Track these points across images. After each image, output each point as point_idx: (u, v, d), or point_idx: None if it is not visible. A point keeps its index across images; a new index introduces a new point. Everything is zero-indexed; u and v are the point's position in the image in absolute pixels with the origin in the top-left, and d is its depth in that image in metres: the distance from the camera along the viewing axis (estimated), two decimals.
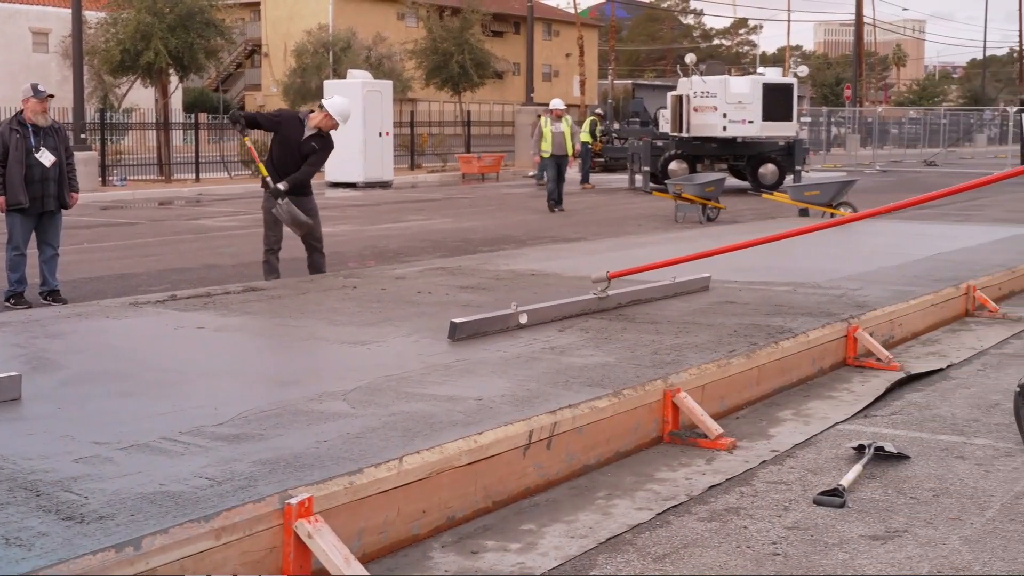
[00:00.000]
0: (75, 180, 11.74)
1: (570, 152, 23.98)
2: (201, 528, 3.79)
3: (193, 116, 38.28)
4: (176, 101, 41.65)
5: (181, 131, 38.56)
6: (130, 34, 32.47)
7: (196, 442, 4.83)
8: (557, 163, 23.68)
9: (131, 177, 32.58)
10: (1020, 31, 75.15)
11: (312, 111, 11.31)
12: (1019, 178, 26.94)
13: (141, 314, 8.41)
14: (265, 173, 10.94)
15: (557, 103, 24.82)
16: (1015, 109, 47.35)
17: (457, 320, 7.37)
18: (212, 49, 35.09)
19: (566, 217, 22.03)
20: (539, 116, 24.22)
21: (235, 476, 4.34)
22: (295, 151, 10.95)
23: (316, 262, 11.29)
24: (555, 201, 23.40)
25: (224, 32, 35.19)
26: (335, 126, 11.10)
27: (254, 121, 11.16)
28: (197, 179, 33.35)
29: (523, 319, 7.70)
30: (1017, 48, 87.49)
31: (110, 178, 31.26)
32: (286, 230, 11.09)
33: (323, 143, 11.11)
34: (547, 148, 23.80)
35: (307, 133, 10.98)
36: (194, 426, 5.08)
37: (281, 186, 10.80)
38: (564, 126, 23.69)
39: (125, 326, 7.96)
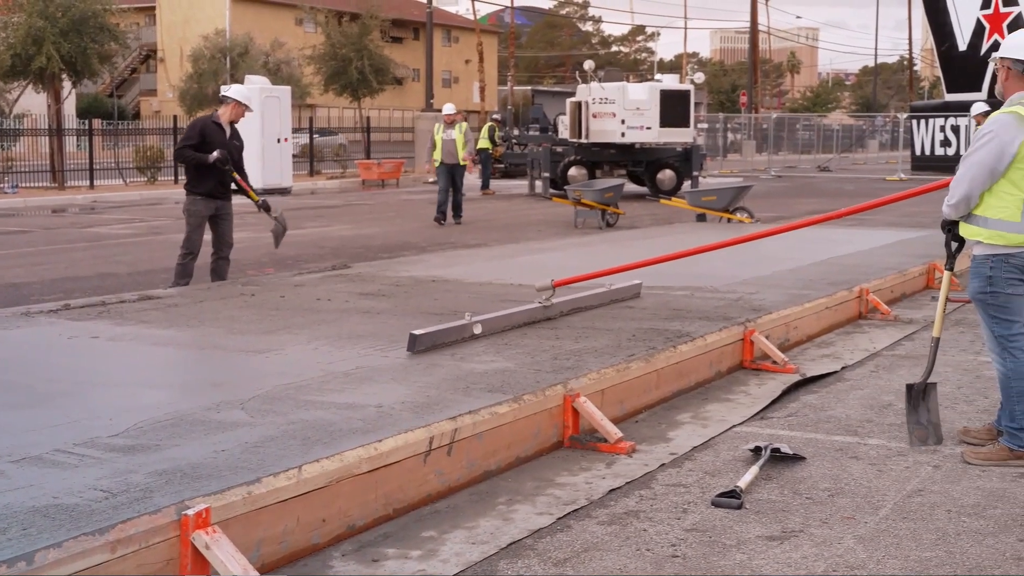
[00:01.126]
0: None
1: (460, 160, 22.08)
2: (96, 541, 3.73)
3: (87, 122, 37.59)
4: (69, 107, 40.84)
5: (75, 137, 37.85)
6: (21, 38, 31.78)
7: (90, 454, 4.75)
8: (449, 172, 21.99)
9: (23, 184, 31.93)
10: (910, 39, 76.77)
11: (216, 111, 11.34)
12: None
13: (33, 324, 8.24)
14: (256, 199, 11.43)
15: (449, 108, 22.90)
16: (905, 115, 48.41)
17: (416, 332, 7.25)
18: (106, 54, 34.49)
19: (466, 223, 21.95)
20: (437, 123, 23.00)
21: (131, 488, 4.28)
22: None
23: (220, 268, 11.19)
24: (443, 214, 21.88)
25: (118, 37, 34.61)
26: (244, 113, 11.20)
27: (201, 151, 10.86)
28: (91, 186, 32.80)
29: (477, 330, 7.67)
30: (907, 56, 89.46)
31: (1, 185, 30.62)
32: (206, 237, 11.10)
33: (239, 138, 11.26)
34: (438, 156, 22.10)
35: (227, 133, 11.02)
36: (88, 437, 5.00)
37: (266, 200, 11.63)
38: (456, 133, 22.07)
39: (16, 336, 7.80)
